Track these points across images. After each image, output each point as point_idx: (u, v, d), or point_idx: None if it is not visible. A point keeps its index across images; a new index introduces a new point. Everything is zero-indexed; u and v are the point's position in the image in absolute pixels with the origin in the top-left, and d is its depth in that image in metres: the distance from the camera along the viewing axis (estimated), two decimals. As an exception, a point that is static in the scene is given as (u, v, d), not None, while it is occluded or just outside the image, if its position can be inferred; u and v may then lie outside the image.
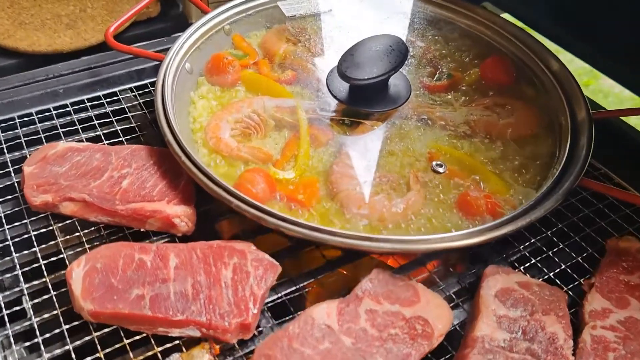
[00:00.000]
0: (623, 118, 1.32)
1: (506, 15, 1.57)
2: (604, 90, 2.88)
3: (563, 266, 1.06)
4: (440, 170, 1.10)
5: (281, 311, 0.96)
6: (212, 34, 1.35)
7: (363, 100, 1.20)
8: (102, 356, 0.87)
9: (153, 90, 1.15)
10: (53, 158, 1.11)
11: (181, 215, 1.03)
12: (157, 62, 1.27)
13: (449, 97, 1.30)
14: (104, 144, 1.21)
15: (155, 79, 1.19)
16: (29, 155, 1.15)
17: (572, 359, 0.87)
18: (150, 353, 0.88)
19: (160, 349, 0.88)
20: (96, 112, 1.29)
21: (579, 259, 1.07)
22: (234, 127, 1.19)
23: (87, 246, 1.02)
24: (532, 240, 1.10)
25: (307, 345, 0.84)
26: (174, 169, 1.09)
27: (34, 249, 1.01)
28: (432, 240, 0.94)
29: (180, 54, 1.26)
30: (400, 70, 1.20)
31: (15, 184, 1.12)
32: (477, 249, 1.06)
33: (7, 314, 0.93)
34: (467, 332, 0.92)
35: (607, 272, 1.00)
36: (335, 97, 1.21)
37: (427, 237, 0.95)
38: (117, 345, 0.88)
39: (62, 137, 1.22)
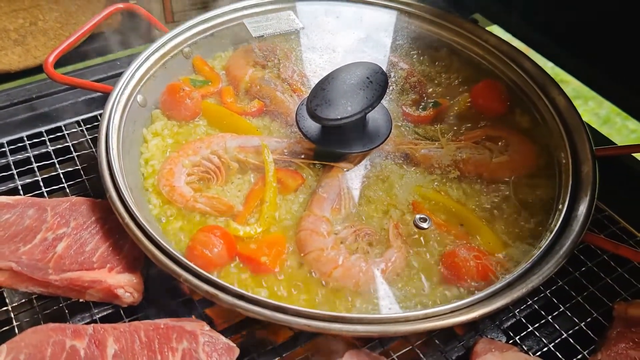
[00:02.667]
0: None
1: (495, 29, 1.42)
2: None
3: (564, 335, 0.93)
4: (424, 225, 0.96)
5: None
6: (169, 59, 1.20)
7: (337, 140, 1.05)
8: None
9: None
10: (-22, 216, 0.97)
11: (125, 285, 0.90)
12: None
13: (435, 129, 1.15)
14: (42, 191, 1.06)
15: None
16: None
17: None
18: None
19: None
20: (36, 152, 1.14)
21: (582, 324, 0.95)
22: (190, 172, 1.04)
23: (15, 324, 0.89)
24: (529, 302, 0.97)
25: None
26: (120, 227, 0.94)
27: (-48, 328, 0.88)
28: (412, 319, 0.81)
29: (132, 84, 1.11)
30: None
31: None
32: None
33: None
34: None
35: (615, 347, 0.87)
36: (305, 136, 1.06)
37: (408, 314, 0.82)
38: None
39: (-5, 184, 1.08)
